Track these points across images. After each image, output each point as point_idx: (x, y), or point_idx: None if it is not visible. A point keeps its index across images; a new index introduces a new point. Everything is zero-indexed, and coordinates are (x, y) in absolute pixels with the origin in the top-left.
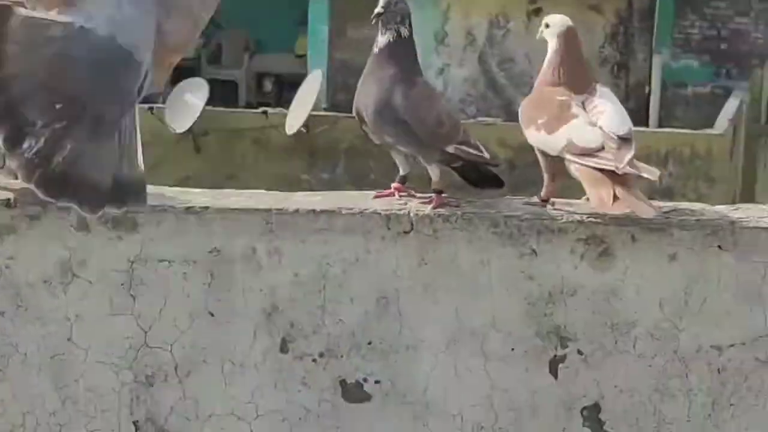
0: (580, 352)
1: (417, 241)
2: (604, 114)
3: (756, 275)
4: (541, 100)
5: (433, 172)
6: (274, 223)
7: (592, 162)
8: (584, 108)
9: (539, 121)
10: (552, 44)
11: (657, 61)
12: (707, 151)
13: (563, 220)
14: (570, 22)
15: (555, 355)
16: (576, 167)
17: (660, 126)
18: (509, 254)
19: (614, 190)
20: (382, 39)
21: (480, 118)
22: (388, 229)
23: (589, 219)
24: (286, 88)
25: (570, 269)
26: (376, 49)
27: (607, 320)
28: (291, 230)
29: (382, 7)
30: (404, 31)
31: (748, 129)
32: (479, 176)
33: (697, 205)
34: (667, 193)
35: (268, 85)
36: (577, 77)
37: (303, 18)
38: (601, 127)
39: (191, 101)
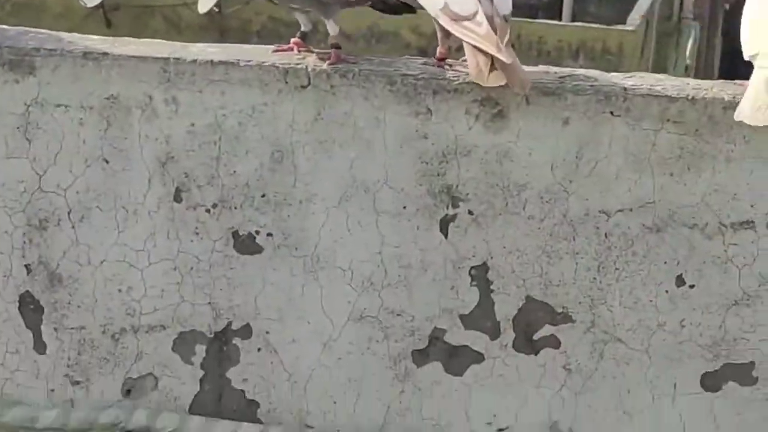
0: (470, 212)
1: (314, 96)
2: None
3: (646, 142)
4: None
5: (331, 27)
6: (171, 72)
7: (468, 34)
8: None
9: None
10: None
11: None
12: (618, 47)
13: (459, 81)
14: None
15: (446, 215)
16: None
17: (573, 20)
18: (404, 112)
19: (492, 60)
20: None
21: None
22: (286, 83)
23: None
24: None
25: (464, 130)
26: None
27: (498, 181)
28: (188, 80)
29: None
30: None
31: (659, 26)
32: (390, 7)
33: (592, 72)
34: None
35: None
36: None
37: None
38: (492, 1)
39: None
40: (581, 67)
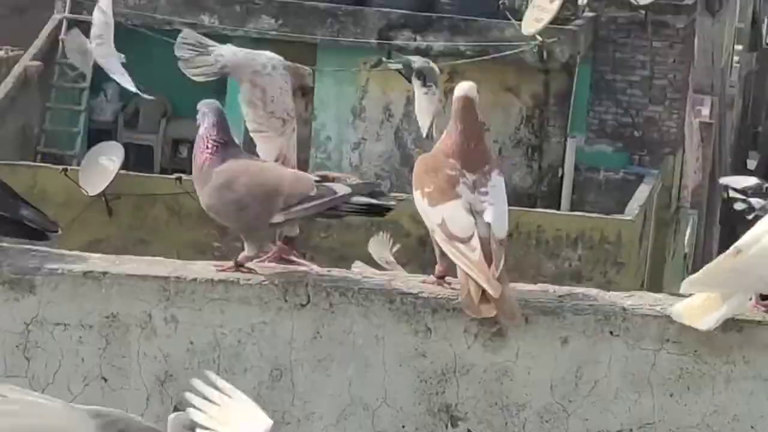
0: None
1: (313, 314)
2: (492, 209)
3: (645, 362)
4: (434, 166)
5: (248, 248)
6: (171, 291)
7: (461, 258)
8: (474, 189)
9: (425, 189)
10: (453, 110)
11: (571, 145)
12: (617, 236)
13: (458, 300)
14: (469, 92)
15: None
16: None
17: (572, 209)
18: (403, 330)
19: (484, 291)
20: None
21: (394, 194)
22: (285, 300)
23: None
24: None
25: (463, 348)
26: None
27: (497, 400)
28: (188, 298)
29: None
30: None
31: (658, 215)
32: (357, 208)
33: (592, 291)
34: (576, 277)
35: (183, 151)
36: (471, 153)
37: (221, 85)
38: (488, 224)
39: (106, 164)
40: (579, 256)
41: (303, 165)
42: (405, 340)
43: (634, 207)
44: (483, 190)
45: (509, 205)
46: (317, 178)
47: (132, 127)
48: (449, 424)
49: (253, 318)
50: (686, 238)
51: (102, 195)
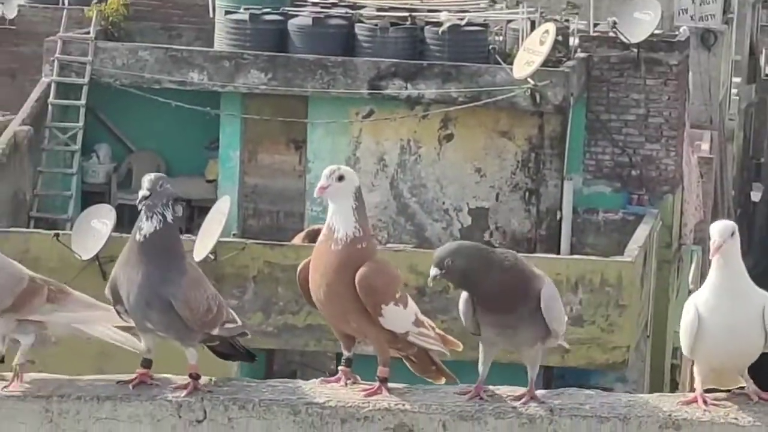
0: None
1: (211, 431)
2: None
3: None
4: None
5: (192, 355)
6: (53, 412)
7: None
8: None
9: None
10: None
11: (568, 187)
12: (617, 278)
13: (369, 408)
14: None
15: None
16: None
17: (571, 252)
18: None
19: None
20: (147, 225)
21: (390, 244)
22: (179, 417)
23: (397, 406)
24: (197, 213)
25: None
26: (140, 236)
27: None
28: (72, 419)
29: (148, 189)
30: (169, 215)
31: (659, 254)
32: (234, 350)
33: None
34: (578, 321)
35: (178, 210)
36: None
37: (214, 142)
38: None
39: (98, 227)
40: (581, 300)
41: (299, 219)
42: None
43: (633, 248)
44: None
45: (510, 248)
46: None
47: (126, 187)
48: None
49: None
50: (690, 275)
51: (95, 258)
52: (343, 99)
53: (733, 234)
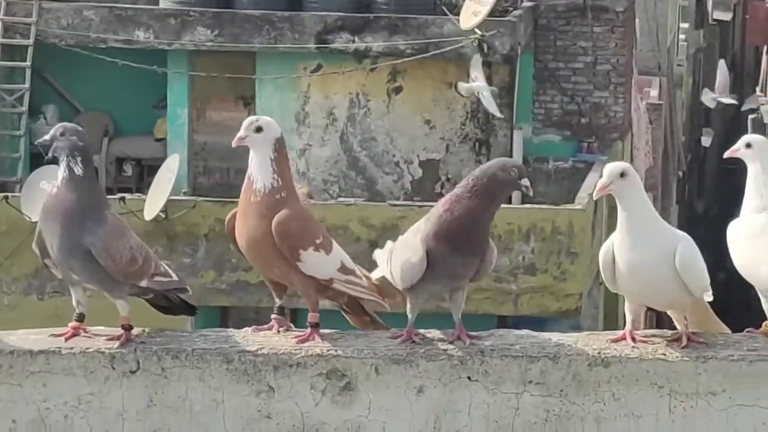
0: None
1: (144, 381)
2: None
3: (508, 406)
4: None
5: (122, 307)
6: None
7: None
8: None
9: None
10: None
11: (518, 137)
12: (568, 226)
13: (301, 354)
14: None
15: None
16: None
17: (522, 202)
18: (244, 392)
19: None
20: (60, 173)
21: (342, 198)
22: (113, 368)
23: (329, 352)
24: (147, 171)
25: (310, 406)
26: (54, 188)
27: None
28: (5, 373)
29: (46, 138)
30: (77, 169)
31: (610, 202)
32: (171, 304)
33: (448, 332)
34: (530, 270)
35: (128, 170)
36: None
37: (162, 101)
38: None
39: (46, 188)
40: (533, 249)
41: None
42: (246, 403)
43: (584, 195)
44: None
45: None
46: None
47: None
48: None
49: (79, 390)
50: None
51: None
52: (291, 54)
53: (623, 174)
